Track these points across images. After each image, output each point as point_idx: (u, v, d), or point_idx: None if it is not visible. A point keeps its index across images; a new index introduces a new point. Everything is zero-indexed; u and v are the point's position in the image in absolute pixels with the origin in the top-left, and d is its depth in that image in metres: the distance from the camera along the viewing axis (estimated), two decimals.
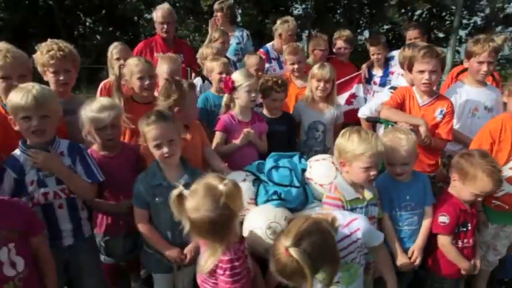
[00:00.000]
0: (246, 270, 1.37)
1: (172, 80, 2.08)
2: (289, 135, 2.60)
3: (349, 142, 1.61)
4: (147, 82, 2.19)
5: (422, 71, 2.19)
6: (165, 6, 3.44)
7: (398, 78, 3.22)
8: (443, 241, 1.80)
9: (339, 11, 13.75)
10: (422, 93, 2.31)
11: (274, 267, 1.22)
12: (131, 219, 1.76)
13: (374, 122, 2.49)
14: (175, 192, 1.37)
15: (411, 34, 3.62)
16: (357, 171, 1.60)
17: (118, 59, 2.63)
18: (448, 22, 12.63)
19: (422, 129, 2.10)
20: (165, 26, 3.33)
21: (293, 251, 1.15)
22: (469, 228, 1.82)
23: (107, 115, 1.74)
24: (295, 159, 1.94)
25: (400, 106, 2.32)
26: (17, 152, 1.58)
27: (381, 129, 2.65)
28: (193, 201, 1.31)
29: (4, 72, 1.73)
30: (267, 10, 12.02)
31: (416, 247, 1.83)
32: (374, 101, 2.79)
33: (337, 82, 2.94)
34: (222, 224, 1.28)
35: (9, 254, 1.31)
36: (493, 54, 2.37)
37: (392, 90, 2.64)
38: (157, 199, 1.69)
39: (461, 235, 1.82)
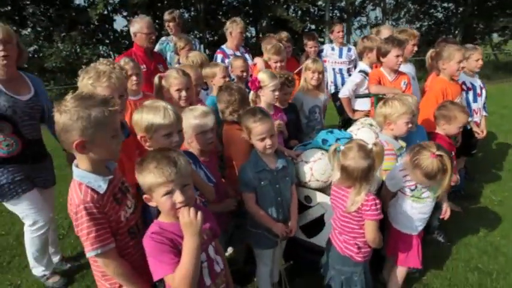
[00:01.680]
0: None
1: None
2: (296, 121, 3.10)
3: (392, 108, 2.24)
4: (184, 94, 2.31)
5: (397, 56, 3.02)
6: (146, 17, 3.43)
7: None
8: None
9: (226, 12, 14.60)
10: (390, 71, 3.16)
11: (422, 173, 1.81)
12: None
13: (364, 97, 3.21)
14: (332, 147, 1.82)
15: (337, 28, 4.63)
16: (401, 127, 2.24)
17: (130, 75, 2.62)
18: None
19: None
20: (151, 36, 3.35)
21: (439, 152, 1.75)
22: (453, 154, 2.70)
23: (209, 120, 1.91)
24: (339, 132, 2.47)
25: (378, 83, 3.11)
26: None
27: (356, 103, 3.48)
28: (351, 153, 1.73)
29: (109, 93, 1.72)
30: (161, 15, 11.93)
31: None
32: (349, 84, 3.51)
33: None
34: (368, 171, 1.72)
35: (214, 252, 1.46)
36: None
37: (362, 73, 3.44)
38: (262, 182, 1.97)
39: None
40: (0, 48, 2.08)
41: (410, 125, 2.27)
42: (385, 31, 4.40)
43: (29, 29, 12.54)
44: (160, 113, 1.61)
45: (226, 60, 3.92)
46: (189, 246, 1.24)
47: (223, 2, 14.61)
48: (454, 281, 2.46)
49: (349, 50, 4.64)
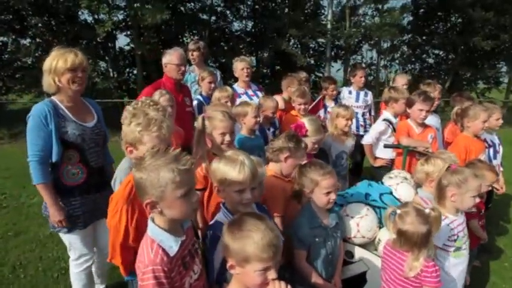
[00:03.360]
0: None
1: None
2: None
3: (435, 166, 2.29)
4: (228, 138, 2.24)
5: (421, 110, 3.10)
6: (179, 49, 3.45)
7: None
8: None
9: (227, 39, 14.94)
10: (417, 125, 3.24)
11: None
12: None
13: (394, 147, 3.25)
14: (388, 211, 1.81)
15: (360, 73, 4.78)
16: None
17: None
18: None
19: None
20: (182, 67, 3.35)
21: None
22: (483, 212, 2.74)
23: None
24: (378, 185, 2.48)
25: (407, 135, 3.18)
26: (222, 216, 1.60)
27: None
28: (409, 218, 1.72)
29: (157, 143, 1.64)
30: (167, 40, 12.08)
31: None
32: (373, 131, 3.59)
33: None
34: (427, 237, 1.71)
35: None
36: None
37: (386, 122, 3.52)
38: (317, 239, 1.93)
39: None
40: (80, 75, 2.07)
41: None
42: (400, 79, 4.59)
43: (29, 39, 12.43)
44: (236, 168, 1.57)
45: (238, 100, 3.94)
46: None
47: (226, 30, 14.99)
48: None
49: (365, 94, 4.77)
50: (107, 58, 13.42)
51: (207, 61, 4.85)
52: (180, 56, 3.37)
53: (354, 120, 4.67)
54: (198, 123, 2.36)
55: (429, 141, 3.20)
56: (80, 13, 12.21)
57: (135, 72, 13.30)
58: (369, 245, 2.23)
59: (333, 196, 1.89)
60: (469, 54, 15.24)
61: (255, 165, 1.67)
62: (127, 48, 13.72)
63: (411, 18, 16.23)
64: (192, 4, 13.87)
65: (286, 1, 14.03)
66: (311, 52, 14.96)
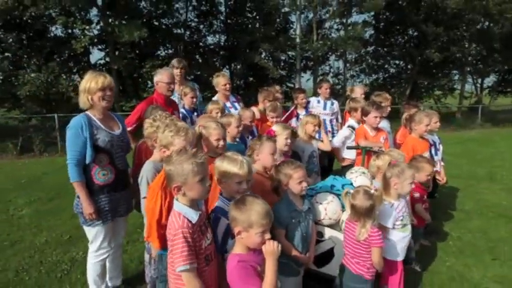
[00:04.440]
0: None
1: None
2: None
3: (384, 161, 2.88)
4: (222, 143, 2.74)
5: (376, 117, 3.75)
6: (169, 69, 3.89)
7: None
8: None
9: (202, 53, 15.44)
10: (372, 129, 3.88)
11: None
12: None
13: (355, 148, 3.87)
14: (344, 191, 2.41)
15: (325, 85, 5.42)
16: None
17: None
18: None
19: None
20: (171, 85, 3.79)
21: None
22: (425, 197, 3.39)
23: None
24: (341, 179, 3.05)
25: (364, 138, 3.82)
26: (221, 203, 2.09)
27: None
28: (358, 196, 2.30)
29: (185, 145, 2.17)
30: (143, 55, 12.40)
31: None
32: (339, 136, 4.22)
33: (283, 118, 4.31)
34: (370, 210, 2.28)
35: None
36: None
37: (350, 128, 4.15)
38: (293, 220, 2.44)
39: None
40: (109, 94, 2.54)
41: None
42: (358, 89, 5.27)
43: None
44: (238, 165, 2.08)
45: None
46: (272, 268, 1.68)
47: (200, 44, 15.51)
48: None
49: (332, 103, 5.41)
50: (81, 72, 13.53)
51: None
52: (170, 75, 3.82)
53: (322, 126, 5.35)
54: (196, 132, 2.85)
55: (382, 142, 3.84)
56: (53, 28, 12.29)
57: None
58: (335, 225, 2.77)
59: (304, 184, 2.42)
60: (425, 64, 16.67)
61: (250, 163, 2.18)
62: (101, 62, 13.87)
63: (373, 32, 17.53)
64: (167, 19, 14.29)
65: (258, 17, 14.82)
66: (282, 64, 15.77)
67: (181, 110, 4.38)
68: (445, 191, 6.19)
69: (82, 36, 10.74)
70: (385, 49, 17.75)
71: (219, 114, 3.68)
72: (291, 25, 15.68)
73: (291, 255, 2.43)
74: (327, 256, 2.78)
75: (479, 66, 18.69)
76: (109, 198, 2.63)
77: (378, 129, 3.93)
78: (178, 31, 14.76)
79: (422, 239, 4.02)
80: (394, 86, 17.74)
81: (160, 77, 3.77)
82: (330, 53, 17.14)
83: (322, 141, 4.11)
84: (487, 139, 12.78)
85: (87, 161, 2.48)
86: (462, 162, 8.68)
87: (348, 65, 17.49)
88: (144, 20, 12.22)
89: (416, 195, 3.34)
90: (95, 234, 2.69)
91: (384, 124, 4.30)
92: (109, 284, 3.02)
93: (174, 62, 4.90)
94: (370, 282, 2.40)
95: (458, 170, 7.73)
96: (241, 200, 1.79)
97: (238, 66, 14.82)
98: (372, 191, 2.34)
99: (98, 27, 12.22)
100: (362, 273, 2.37)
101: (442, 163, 4.31)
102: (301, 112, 5.22)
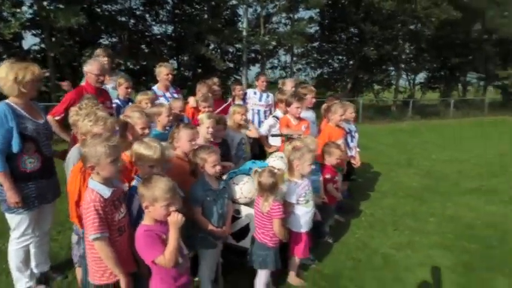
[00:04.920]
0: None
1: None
2: (228, 152, 3.93)
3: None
4: (147, 131, 2.88)
5: (297, 107, 4.15)
6: (99, 60, 3.89)
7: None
8: None
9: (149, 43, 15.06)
10: (295, 118, 4.29)
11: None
12: None
13: (278, 136, 4.24)
14: (253, 170, 2.71)
15: (262, 78, 5.76)
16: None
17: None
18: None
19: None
20: (101, 77, 3.82)
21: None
22: (336, 179, 3.88)
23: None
24: (260, 162, 3.39)
25: (287, 126, 4.21)
26: (136, 182, 2.29)
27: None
28: (263, 174, 2.63)
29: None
30: (83, 42, 11.83)
31: None
32: (265, 125, 4.57)
33: (217, 110, 4.54)
34: (273, 186, 2.63)
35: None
36: None
37: (275, 118, 4.52)
38: (208, 198, 2.72)
39: None
40: (40, 84, 2.64)
41: None
42: (289, 83, 5.68)
43: None
44: (151, 150, 2.30)
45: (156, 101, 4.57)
46: (174, 235, 1.94)
47: (146, 33, 15.11)
48: (337, 267, 3.51)
49: (267, 96, 5.73)
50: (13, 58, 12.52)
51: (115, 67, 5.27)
52: (100, 66, 3.82)
53: (257, 117, 5.69)
54: (121, 121, 2.99)
55: (303, 130, 4.26)
56: None
57: (46, 74, 12.65)
58: (251, 203, 3.10)
59: (218, 167, 2.70)
60: (365, 61, 17.90)
61: (164, 149, 2.40)
62: (36, 48, 12.97)
63: (318, 28, 18.37)
64: (110, 6, 13.71)
65: (205, 8, 14.80)
66: (230, 57, 15.94)
67: (116, 100, 4.43)
68: (368, 175, 6.92)
69: (13, 20, 9.96)
70: (330, 45, 18.73)
71: (149, 105, 3.82)
72: (239, 18, 15.91)
73: (208, 229, 2.72)
74: (243, 231, 3.11)
75: (412, 64, 20.49)
76: (36, 186, 2.68)
77: (300, 119, 4.34)
78: (123, 19, 14.25)
79: (338, 216, 4.55)
80: (337, 80, 18.83)
81: (90, 68, 3.79)
82: (278, 47, 17.69)
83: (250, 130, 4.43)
84: (415, 130, 14.17)
85: (15, 150, 2.51)
86: (392, 151, 9.62)
87: (294, 58, 18.17)
88: (85, 6, 11.65)
89: (328, 176, 3.80)
90: (18, 221, 2.72)
91: (309, 114, 4.74)
92: (35, 271, 3.04)
93: (99, 51, 4.88)
94: (273, 249, 2.77)
95: (387, 158, 8.61)
96: (148, 179, 2.02)
97: (186, 58, 14.72)
98: (275, 171, 2.69)
99: (31, 10, 11.40)
100: (266, 241, 2.73)
101: (358, 149, 4.87)
102: (240, 103, 5.52)
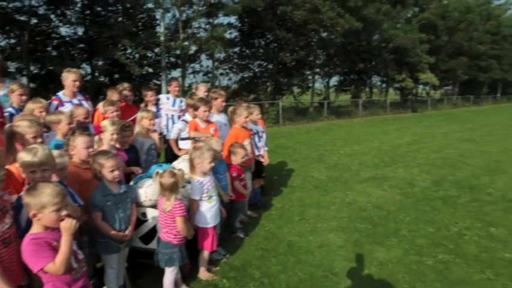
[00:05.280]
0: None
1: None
2: (136, 158, 3.94)
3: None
4: (39, 140, 2.80)
5: (205, 111, 4.35)
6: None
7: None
8: None
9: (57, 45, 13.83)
10: (203, 122, 4.48)
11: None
12: None
13: (187, 139, 4.36)
14: (155, 172, 2.80)
15: (174, 83, 5.83)
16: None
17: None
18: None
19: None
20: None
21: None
22: (243, 176, 4.17)
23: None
24: (166, 165, 3.50)
25: (195, 129, 4.38)
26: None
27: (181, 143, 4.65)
28: (164, 175, 2.75)
29: None
30: None
31: None
32: (174, 129, 4.67)
33: (131, 118, 4.55)
34: (173, 186, 2.77)
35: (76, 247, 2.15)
36: None
37: (184, 122, 4.65)
38: (108, 203, 2.74)
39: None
40: None
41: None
42: (202, 87, 5.87)
43: None
44: (30, 155, 2.23)
45: (62, 107, 4.37)
46: (67, 241, 1.95)
47: (52, 35, 13.87)
48: (246, 257, 3.79)
49: (181, 101, 5.81)
50: None
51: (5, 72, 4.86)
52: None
53: (171, 121, 5.74)
54: (6, 132, 2.82)
55: (211, 133, 4.48)
56: None
57: None
58: (156, 206, 3.20)
59: (116, 172, 2.75)
60: (283, 65, 19.00)
61: (47, 154, 2.33)
62: None
63: (237, 33, 18.93)
64: (5, 3, 12.27)
65: (119, 10, 14.17)
66: (149, 62, 15.51)
67: (8, 108, 4.10)
68: (283, 172, 7.46)
69: None
70: (250, 50, 19.46)
71: (43, 114, 3.64)
72: (157, 22, 15.57)
73: (110, 234, 2.74)
74: (151, 234, 3.19)
75: (326, 68, 22.42)
76: None
77: (208, 122, 4.55)
78: (22, 18, 12.86)
79: (251, 212, 4.87)
80: (259, 84, 19.63)
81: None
82: (200, 52, 17.75)
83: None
84: (327, 129, 15.56)
85: None
86: (302, 148, 10.45)
87: (216, 63, 18.44)
88: None
89: (234, 174, 4.07)
90: None
91: (221, 117, 4.97)
92: None
93: None
94: (179, 246, 2.91)
95: (298, 155, 9.33)
96: (33, 187, 2.00)
97: (100, 62, 13.88)
98: (176, 171, 2.84)
99: None
100: (170, 239, 2.86)
101: (266, 148, 5.26)
102: (152, 109, 5.50)
